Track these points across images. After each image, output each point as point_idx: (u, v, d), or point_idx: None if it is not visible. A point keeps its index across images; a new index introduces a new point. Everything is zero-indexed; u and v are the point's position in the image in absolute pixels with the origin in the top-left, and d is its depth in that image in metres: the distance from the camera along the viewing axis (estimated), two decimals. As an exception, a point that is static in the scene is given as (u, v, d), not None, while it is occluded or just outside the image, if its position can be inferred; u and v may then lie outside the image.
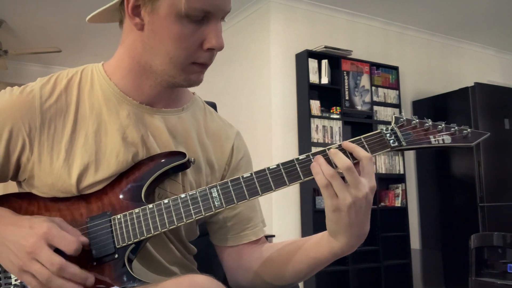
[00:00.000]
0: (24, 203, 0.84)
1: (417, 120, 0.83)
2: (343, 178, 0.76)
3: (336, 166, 0.77)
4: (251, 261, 0.95)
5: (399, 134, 0.82)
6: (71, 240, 0.74)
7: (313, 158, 0.79)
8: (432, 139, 0.82)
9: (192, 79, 0.87)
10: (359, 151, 0.77)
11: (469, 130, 0.82)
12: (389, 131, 0.82)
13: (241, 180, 0.79)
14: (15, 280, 0.79)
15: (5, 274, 0.80)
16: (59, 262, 0.72)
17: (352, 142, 0.80)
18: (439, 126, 0.83)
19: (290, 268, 0.89)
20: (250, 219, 0.98)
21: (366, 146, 0.80)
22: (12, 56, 4.84)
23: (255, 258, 0.94)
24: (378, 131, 0.82)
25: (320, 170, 0.76)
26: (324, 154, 0.79)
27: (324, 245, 0.83)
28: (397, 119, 0.84)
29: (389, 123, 4.41)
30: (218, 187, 0.80)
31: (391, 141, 0.81)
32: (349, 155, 0.79)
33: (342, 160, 0.75)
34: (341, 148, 0.79)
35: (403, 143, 0.81)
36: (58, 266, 0.72)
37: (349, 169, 0.75)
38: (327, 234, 0.82)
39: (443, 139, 0.82)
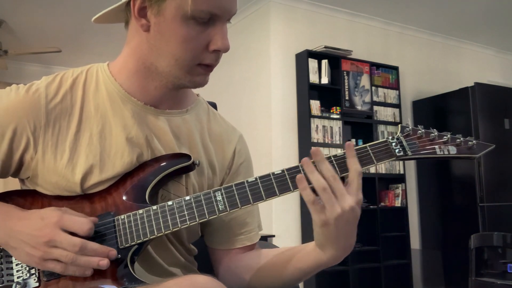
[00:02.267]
0: (28, 201, 0.85)
1: (423, 130, 0.83)
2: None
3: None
4: (241, 267, 0.95)
5: (404, 143, 0.82)
6: (83, 222, 0.77)
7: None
8: (438, 150, 0.82)
9: (198, 81, 0.87)
10: (352, 163, 0.76)
11: (474, 141, 0.82)
12: (395, 140, 0.82)
13: (246, 184, 0.79)
14: (18, 278, 0.80)
15: (8, 272, 0.80)
16: (80, 241, 0.75)
17: (358, 150, 0.80)
18: (445, 137, 0.83)
19: (275, 277, 0.90)
20: (246, 224, 0.99)
21: (372, 154, 0.80)
22: (12, 56, 4.83)
23: (245, 265, 0.95)
24: (384, 139, 0.82)
25: (306, 185, 0.75)
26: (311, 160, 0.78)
27: (311, 257, 0.83)
28: (403, 128, 0.84)
29: (389, 123, 4.42)
30: (223, 191, 0.80)
31: (397, 151, 0.81)
32: (335, 166, 0.78)
33: (328, 171, 0.75)
34: (340, 156, 0.79)
35: (409, 152, 0.81)
36: (80, 246, 0.75)
37: (335, 180, 0.74)
38: (314, 246, 0.83)
39: (448, 150, 0.82)
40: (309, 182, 0.75)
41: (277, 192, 0.79)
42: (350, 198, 0.74)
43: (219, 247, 0.99)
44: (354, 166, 0.76)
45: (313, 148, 0.77)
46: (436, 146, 0.82)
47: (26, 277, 0.80)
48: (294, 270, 0.87)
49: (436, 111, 4.65)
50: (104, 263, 0.76)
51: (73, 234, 0.76)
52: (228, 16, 0.84)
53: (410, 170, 4.71)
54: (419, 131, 0.83)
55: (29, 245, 0.76)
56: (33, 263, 0.77)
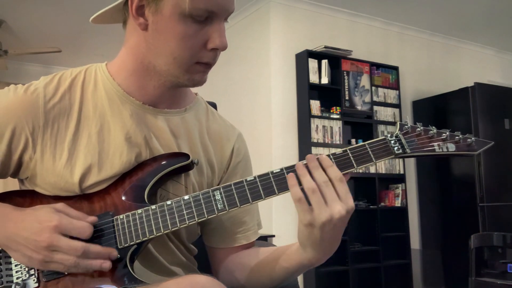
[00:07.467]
0: (26, 201, 0.85)
1: (422, 128, 0.83)
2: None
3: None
4: (238, 266, 0.96)
5: (403, 141, 0.82)
6: (83, 226, 0.77)
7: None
8: (436, 147, 0.82)
9: (196, 79, 0.87)
10: (330, 172, 0.75)
11: (473, 138, 0.82)
12: (394, 138, 0.82)
13: (245, 183, 0.79)
14: (17, 278, 0.80)
15: (7, 272, 0.80)
16: (81, 246, 0.75)
17: (356, 148, 0.80)
18: (444, 134, 0.83)
19: (265, 276, 0.90)
20: (243, 223, 0.99)
21: (370, 152, 0.80)
22: (12, 56, 4.83)
23: (241, 263, 0.95)
24: (383, 137, 0.82)
25: (296, 183, 0.75)
26: (305, 164, 0.77)
27: (294, 256, 0.84)
28: (401, 126, 0.83)
29: (389, 123, 4.42)
30: (222, 190, 0.80)
31: (396, 148, 0.81)
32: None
33: (321, 176, 0.74)
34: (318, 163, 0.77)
35: (408, 150, 0.81)
36: (82, 250, 0.75)
37: (327, 185, 0.74)
38: (297, 246, 0.83)
39: (447, 147, 0.82)
40: (300, 184, 0.75)
41: (276, 191, 0.78)
42: (341, 205, 0.73)
43: (217, 246, 0.99)
44: (333, 174, 0.75)
45: (308, 155, 0.77)
46: (435, 144, 0.82)
47: (25, 277, 0.79)
48: (281, 269, 0.87)
49: (436, 111, 4.64)
50: (106, 265, 0.77)
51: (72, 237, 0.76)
52: (226, 14, 0.84)
53: (410, 170, 4.71)
54: (418, 129, 0.83)
55: (29, 249, 0.75)
56: (32, 265, 0.77)
